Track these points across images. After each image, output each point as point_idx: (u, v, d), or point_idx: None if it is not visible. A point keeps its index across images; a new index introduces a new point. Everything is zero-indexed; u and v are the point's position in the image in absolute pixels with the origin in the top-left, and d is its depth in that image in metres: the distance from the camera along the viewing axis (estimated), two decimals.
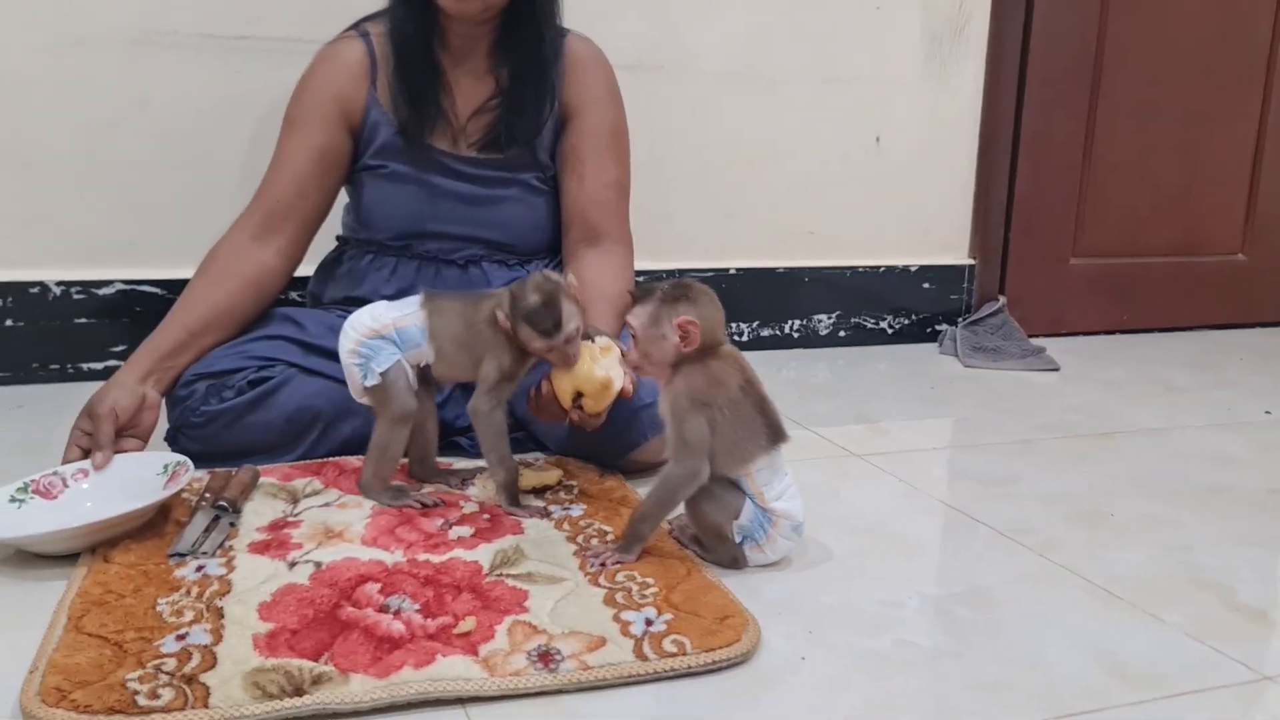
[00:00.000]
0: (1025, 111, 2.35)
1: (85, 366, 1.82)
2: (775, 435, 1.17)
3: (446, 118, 1.56)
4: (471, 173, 1.58)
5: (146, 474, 1.27)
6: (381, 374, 1.29)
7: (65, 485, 1.27)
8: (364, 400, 1.33)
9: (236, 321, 1.50)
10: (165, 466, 1.28)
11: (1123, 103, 2.41)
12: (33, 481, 1.25)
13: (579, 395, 1.28)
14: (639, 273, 2.07)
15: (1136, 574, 1.25)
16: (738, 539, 1.18)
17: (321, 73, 1.56)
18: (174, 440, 1.43)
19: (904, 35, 2.25)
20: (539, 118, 1.58)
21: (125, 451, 1.34)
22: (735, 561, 1.20)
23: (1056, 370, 2.19)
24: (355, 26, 1.58)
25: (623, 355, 1.28)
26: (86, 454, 1.32)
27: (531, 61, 1.56)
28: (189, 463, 1.27)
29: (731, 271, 2.19)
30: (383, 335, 1.30)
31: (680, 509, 1.20)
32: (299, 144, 1.54)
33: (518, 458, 1.45)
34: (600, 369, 1.27)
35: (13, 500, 1.22)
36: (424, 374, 1.34)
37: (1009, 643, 1.08)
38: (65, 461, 1.31)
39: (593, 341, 1.30)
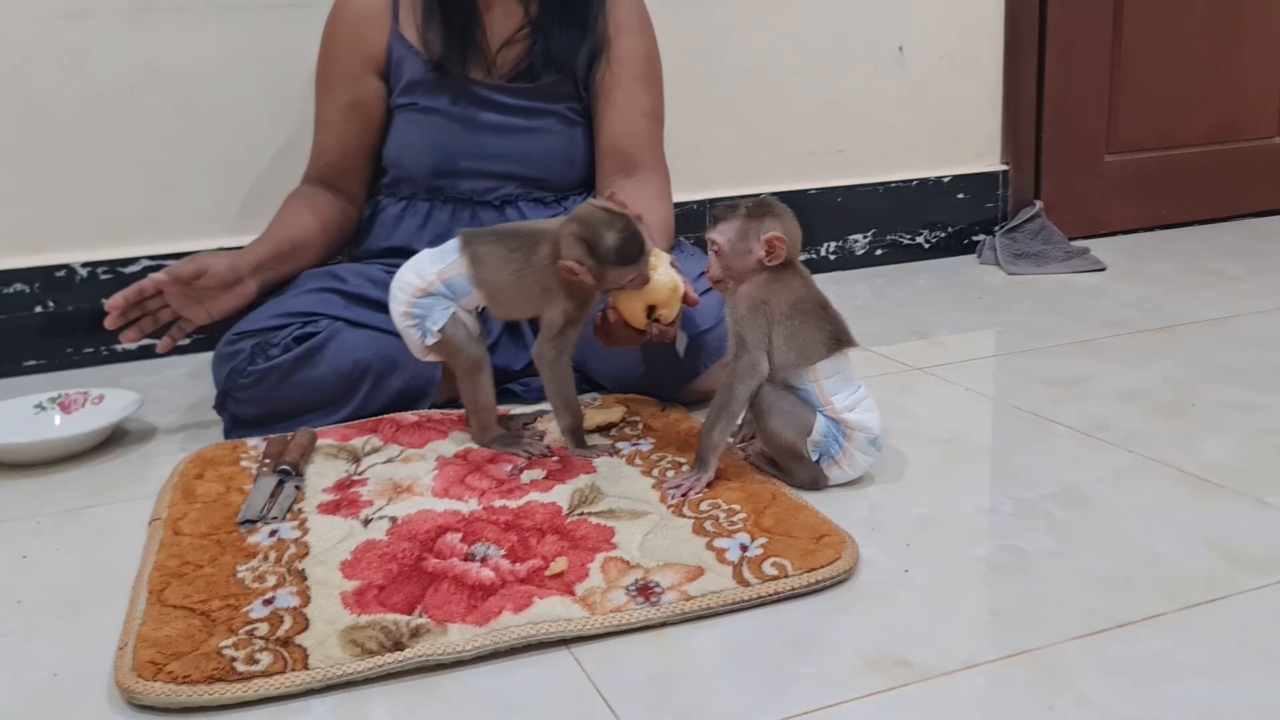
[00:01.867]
0: (1050, 7, 2.27)
1: (119, 348, 1.78)
2: (838, 337, 1.15)
3: (480, 47, 1.52)
4: (506, 102, 1.54)
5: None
6: (439, 330, 1.26)
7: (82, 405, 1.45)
8: (428, 358, 1.30)
9: (324, 248, 1.57)
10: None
11: None
12: (65, 395, 1.44)
13: (651, 309, 1.23)
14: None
15: (1231, 460, 1.21)
16: (814, 456, 1.15)
17: (341, 24, 1.56)
18: (222, 405, 1.40)
19: None
20: (571, 45, 1.53)
21: (183, 318, 1.42)
22: (815, 481, 1.16)
23: (1103, 270, 2.14)
24: None
25: (675, 266, 1.24)
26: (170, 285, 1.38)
27: None
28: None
29: (762, 197, 2.13)
30: (431, 292, 1.26)
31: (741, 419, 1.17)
32: (333, 104, 1.57)
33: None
34: (663, 275, 1.21)
35: (38, 407, 1.43)
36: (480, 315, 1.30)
37: (1115, 538, 1.05)
38: (140, 283, 1.37)
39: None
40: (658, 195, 1.55)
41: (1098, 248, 2.27)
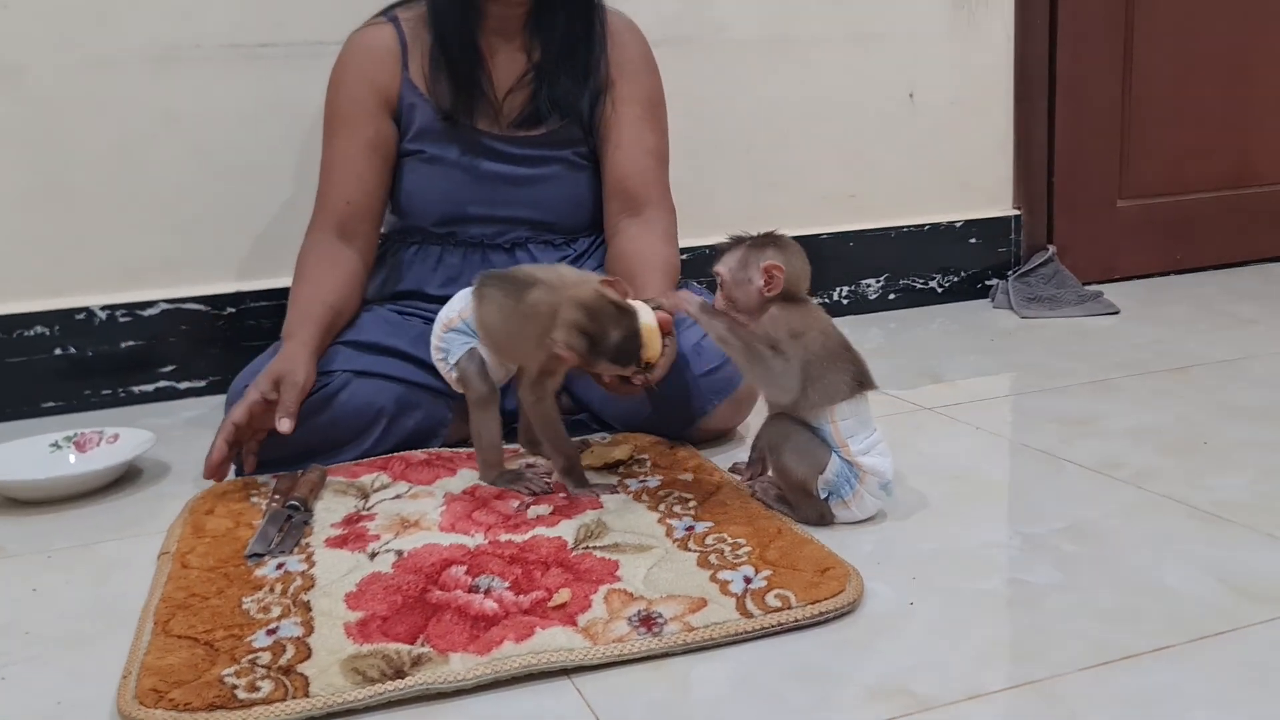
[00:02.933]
0: (1059, 54, 2.29)
1: (136, 389, 1.80)
2: (861, 379, 1.14)
3: (487, 97, 1.54)
4: (513, 151, 1.55)
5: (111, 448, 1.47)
6: (456, 364, 1.30)
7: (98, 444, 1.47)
8: (460, 390, 1.32)
9: (349, 313, 1.49)
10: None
11: (1159, 36, 2.35)
12: (81, 434, 1.47)
13: (646, 365, 1.22)
14: (681, 249, 2.04)
15: (1243, 496, 1.20)
16: (823, 494, 1.14)
17: (354, 63, 1.54)
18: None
19: None
20: (574, 88, 1.55)
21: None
22: (822, 518, 1.16)
23: (1116, 313, 2.14)
24: (383, 13, 1.56)
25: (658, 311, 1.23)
26: (253, 415, 1.30)
27: (565, 36, 1.54)
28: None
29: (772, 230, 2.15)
30: (454, 328, 1.31)
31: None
32: (349, 141, 1.52)
33: (585, 438, 1.43)
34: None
35: (54, 445, 1.45)
36: None
37: (1124, 572, 1.04)
38: (233, 418, 1.29)
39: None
40: (663, 237, 1.56)
41: (1111, 292, 2.27)
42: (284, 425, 1.29)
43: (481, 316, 1.28)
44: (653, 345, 1.19)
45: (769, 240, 1.17)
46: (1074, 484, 1.27)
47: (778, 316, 1.15)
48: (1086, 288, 2.27)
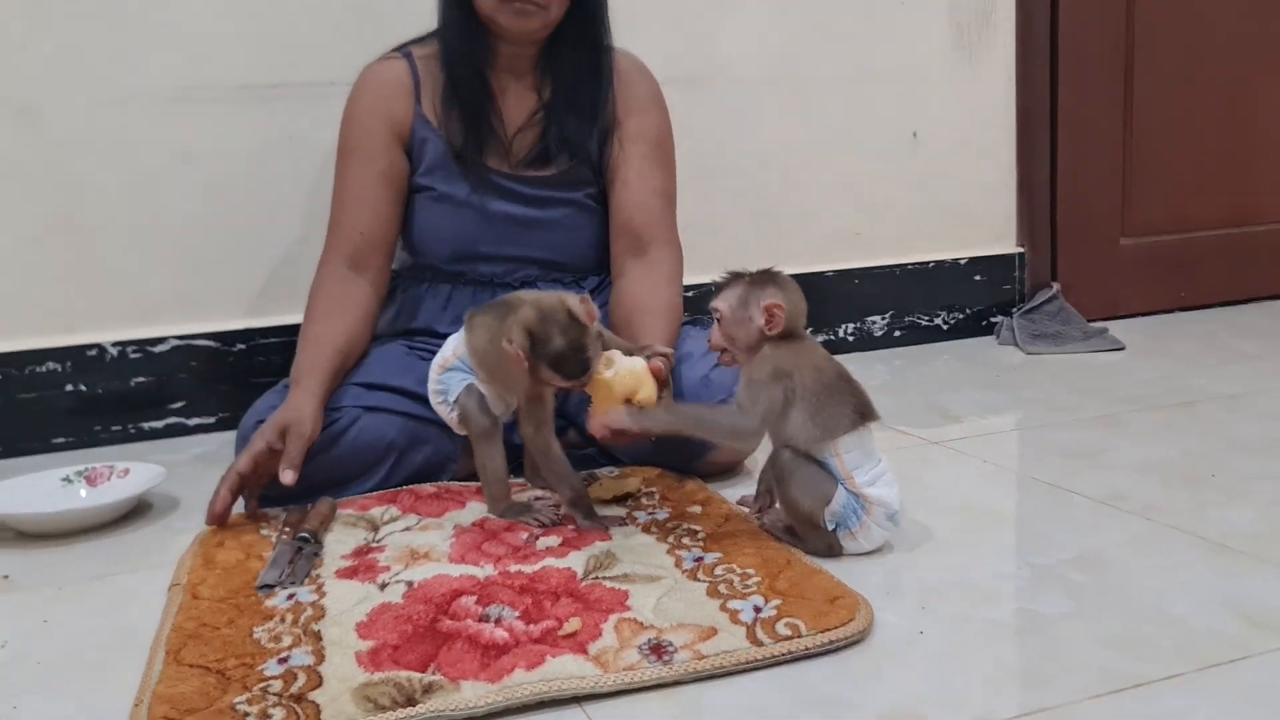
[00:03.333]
0: (1060, 93, 2.32)
1: (146, 426, 1.81)
2: (863, 411, 1.14)
3: (497, 135, 1.56)
4: (523, 191, 1.57)
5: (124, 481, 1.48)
6: (455, 401, 1.31)
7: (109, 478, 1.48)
8: (463, 432, 1.34)
9: (360, 350, 1.50)
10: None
11: (1159, 75, 2.38)
12: (91, 469, 1.48)
13: (629, 402, 1.23)
14: (686, 287, 2.06)
15: (1251, 528, 1.20)
16: (830, 526, 1.15)
17: (367, 95, 1.56)
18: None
19: (931, 28, 2.23)
20: (583, 127, 1.57)
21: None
22: (830, 549, 1.16)
23: (1122, 349, 2.14)
24: (397, 49, 1.59)
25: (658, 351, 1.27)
26: (257, 465, 1.30)
27: (574, 75, 1.56)
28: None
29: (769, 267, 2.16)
30: (450, 367, 1.33)
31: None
32: (363, 172, 1.54)
33: (595, 472, 1.44)
34: (624, 366, 1.21)
35: (65, 480, 1.47)
36: None
37: (1133, 601, 1.04)
38: (238, 467, 1.30)
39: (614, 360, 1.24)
40: (667, 278, 1.56)
41: (1117, 329, 2.28)
42: (287, 477, 1.29)
43: (472, 344, 1.30)
44: (646, 389, 1.20)
45: (769, 278, 1.18)
46: (1081, 515, 1.28)
47: (768, 356, 1.15)
48: (1091, 324, 2.28)
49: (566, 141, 1.57)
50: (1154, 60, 2.37)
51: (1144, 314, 2.44)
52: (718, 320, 1.19)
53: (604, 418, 1.20)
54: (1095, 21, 2.32)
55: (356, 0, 1.84)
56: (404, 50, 1.59)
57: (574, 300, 1.22)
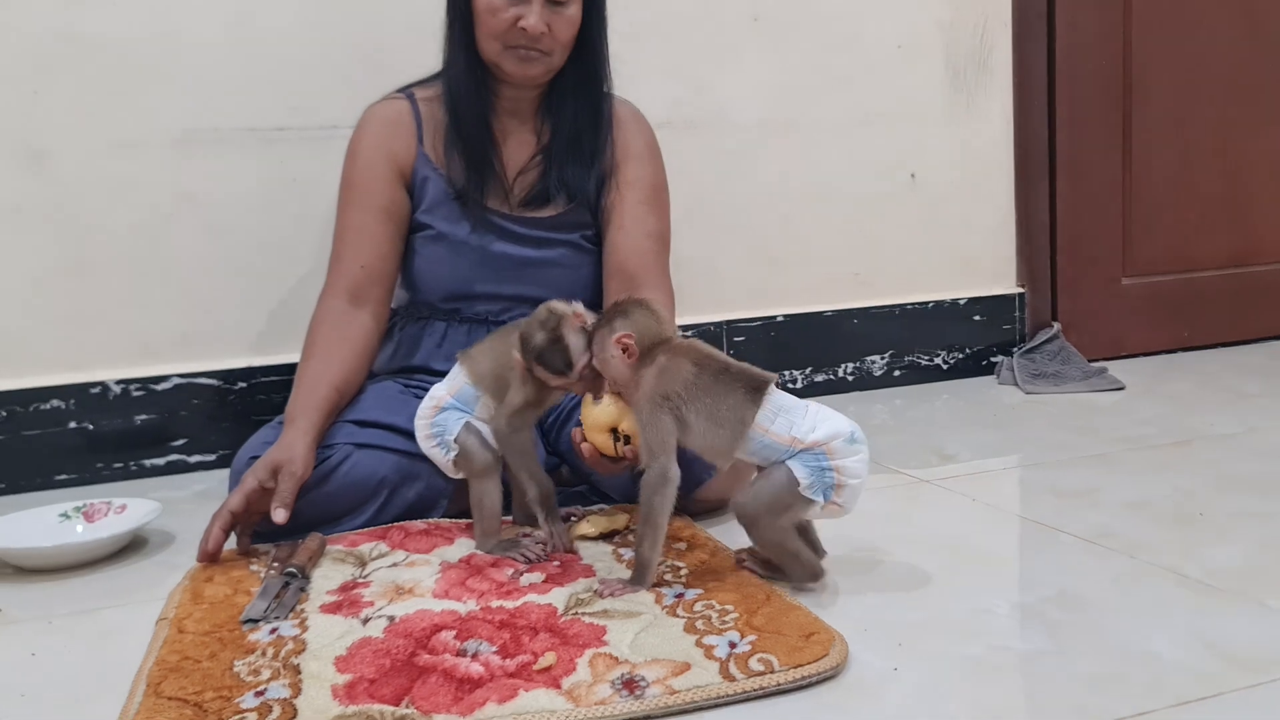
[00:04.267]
0: (1058, 135, 2.34)
1: (148, 462, 1.83)
2: (755, 385, 1.14)
3: (498, 177, 1.59)
4: (521, 232, 1.60)
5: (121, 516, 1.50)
6: (455, 441, 1.33)
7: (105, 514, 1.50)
8: (459, 475, 1.35)
9: (356, 386, 1.52)
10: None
11: (1157, 117, 2.40)
12: (89, 505, 1.50)
13: (624, 438, 1.25)
14: (687, 326, 2.08)
15: (1236, 565, 1.20)
16: (817, 499, 1.13)
17: (370, 133, 1.60)
18: None
19: (928, 71, 2.26)
20: (582, 172, 1.60)
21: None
22: (814, 575, 1.17)
23: (1121, 389, 2.14)
24: (400, 90, 1.63)
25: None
26: (250, 503, 1.32)
27: (575, 120, 1.59)
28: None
29: (779, 319, 2.18)
30: (445, 406, 1.35)
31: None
32: (365, 207, 1.57)
33: (583, 508, 1.44)
34: (608, 399, 1.25)
35: (63, 515, 1.48)
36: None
37: (1110, 639, 1.04)
38: (230, 506, 1.31)
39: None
40: None
41: (1118, 369, 2.28)
42: (279, 515, 1.31)
43: (476, 372, 1.33)
44: (630, 419, 1.23)
45: (614, 313, 1.21)
46: (1067, 554, 1.28)
47: (643, 383, 1.17)
48: (1092, 364, 2.29)
49: (565, 184, 1.60)
50: (1152, 101, 2.39)
51: (1146, 354, 2.44)
52: (599, 372, 1.22)
53: (587, 444, 1.26)
54: (1091, 64, 2.34)
55: (360, 46, 1.88)
56: (407, 91, 1.63)
57: (563, 304, 1.26)
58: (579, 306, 1.26)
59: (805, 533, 1.22)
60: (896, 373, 2.28)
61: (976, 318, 2.34)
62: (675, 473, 1.15)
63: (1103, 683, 0.95)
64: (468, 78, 1.56)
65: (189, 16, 1.81)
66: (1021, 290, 2.37)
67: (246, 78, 1.84)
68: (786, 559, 1.16)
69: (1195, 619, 1.07)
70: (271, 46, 1.85)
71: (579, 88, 1.60)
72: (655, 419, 1.15)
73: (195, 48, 1.82)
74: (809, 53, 2.18)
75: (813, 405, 1.15)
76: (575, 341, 1.23)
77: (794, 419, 1.13)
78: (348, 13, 1.88)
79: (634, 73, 1.74)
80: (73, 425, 1.79)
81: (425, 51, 1.62)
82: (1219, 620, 1.06)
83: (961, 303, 2.32)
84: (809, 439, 1.12)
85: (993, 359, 2.35)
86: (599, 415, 1.24)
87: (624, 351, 1.18)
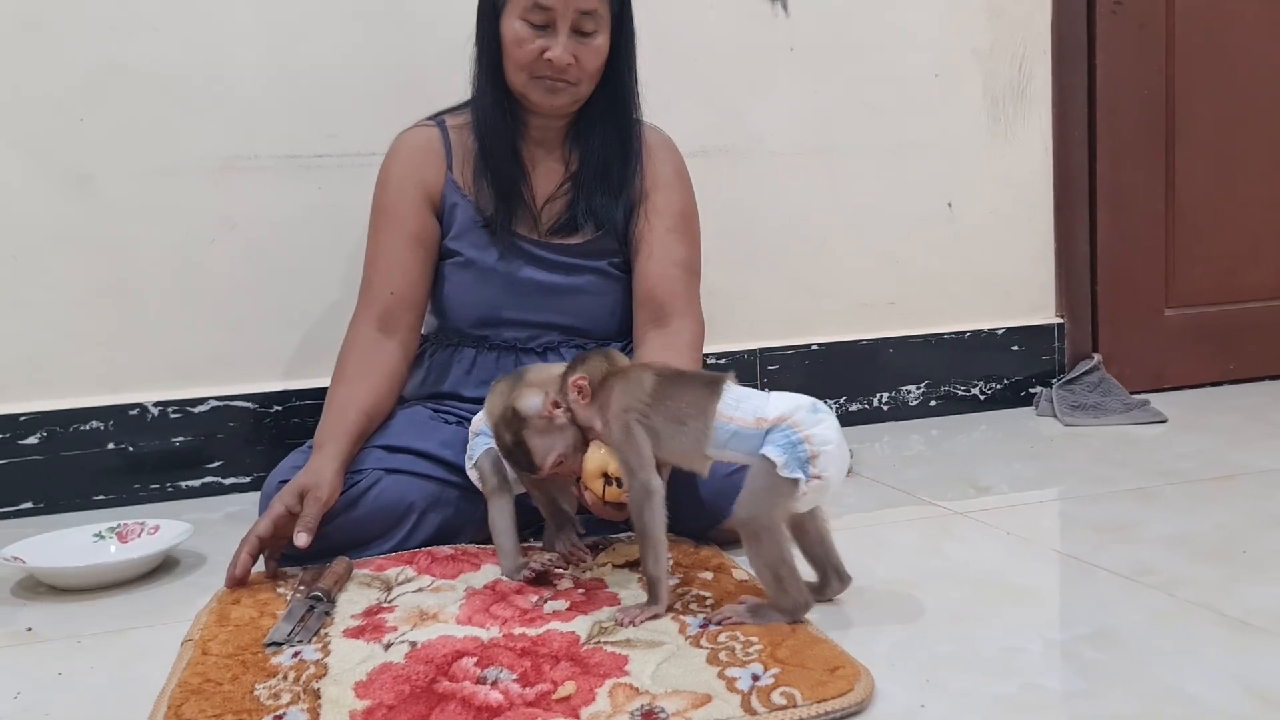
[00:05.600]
0: (1099, 164, 2.31)
1: (184, 484, 1.85)
2: (710, 381, 1.18)
3: (526, 204, 1.59)
4: (549, 258, 1.60)
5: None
6: (474, 464, 1.37)
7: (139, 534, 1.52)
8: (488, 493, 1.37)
9: (385, 412, 1.54)
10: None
11: (1201, 145, 2.36)
12: (123, 525, 1.52)
13: (615, 481, 1.26)
14: (721, 354, 2.07)
15: (1277, 605, 1.16)
16: (793, 475, 1.11)
17: (401, 160, 1.61)
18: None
19: (966, 100, 2.25)
20: (610, 200, 1.60)
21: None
22: (806, 604, 1.13)
23: (1164, 422, 2.10)
24: (431, 118, 1.64)
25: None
26: (277, 527, 1.33)
27: (603, 149, 1.59)
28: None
29: (814, 347, 2.17)
30: (479, 431, 1.38)
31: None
32: (395, 234, 1.58)
33: (610, 537, 1.44)
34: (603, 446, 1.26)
35: (97, 535, 1.50)
36: None
37: (1146, 679, 1.01)
38: (257, 531, 1.32)
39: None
40: (686, 348, 1.56)
41: (1160, 401, 2.24)
42: (300, 540, 1.31)
43: (489, 407, 1.33)
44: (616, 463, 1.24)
45: (573, 364, 1.26)
46: (1103, 590, 1.25)
47: (612, 408, 1.20)
48: (1133, 396, 2.25)
49: (593, 213, 1.60)
50: (1195, 129, 2.36)
51: (1188, 387, 2.39)
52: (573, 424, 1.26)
53: (588, 493, 1.29)
54: (1133, 92, 2.32)
55: (396, 74, 1.91)
56: (437, 119, 1.64)
57: (530, 400, 1.26)
58: (553, 394, 1.26)
59: (827, 555, 1.20)
60: (933, 403, 2.26)
61: (1015, 348, 2.31)
62: (657, 484, 1.17)
63: None
64: (495, 108, 1.57)
65: (232, 47, 1.84)
66: (1061, 320, 2.34)
67: (286, 106, 1.87)
68: (778, 584, 1.13)
69: (1234, 659, 1.04)
70: (311, 76, 1.88)
71: (607, 116, 1.60)
72: (626, 435, 1.18)
73: (237, 77, 1.85)
74: (845, 82, 2.17)
75: (773, 392, 1.17)
76: (539, 444, 1.26)
77: (755, 403, 1.15)
78: (386, 43, 1.91)
79: (667, 101, 1.74)
80: (111, 446, 1.82)
81: (461, 80, 1.63)
82: (1258, 661, 1.03)
83: (1000, 333, 2.30)
84: (772, 415, 1.13)
85: (1031, 390, 2.32)
86: (589, 463, 1.28)
87: (579, 393, 1.23)
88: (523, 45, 1.50)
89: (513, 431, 1.26)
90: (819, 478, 1.12)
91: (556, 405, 1.25)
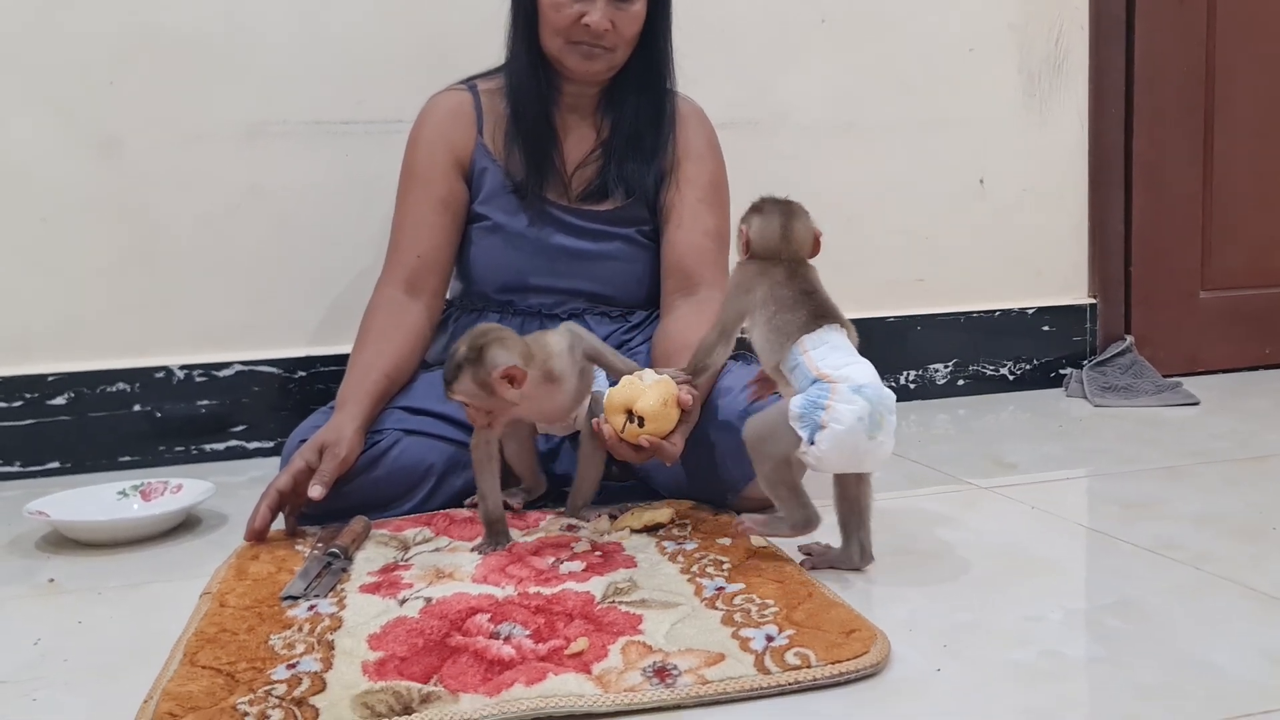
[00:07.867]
0: (1135, 142, 2.27)
1: (208, 447, 1.86)
2: (819, 314, 1.20)
3: (557, 170, 1.58)
4: (578, 225, 1.59)
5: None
6: None
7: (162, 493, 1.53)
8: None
9: (408, 375, 1.53)
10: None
11: (1241, 124, 2.32)
12: (147, 484, 1.54)
13: (639, 420, 1.24)
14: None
15: None
16: (802, 434, 1.12)
17: (431, 123, 1.61)
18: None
19: (1001, 75, 2.21)
20: (642, 168, 1.59)
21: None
22: (808, 521, 1.16)
23: (1196, 404, 2.07)
24: (462, 81, 1.64)
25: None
26: (297, 482, 1.34)
27: (636, 116, 1.58)
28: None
29: None
30: None
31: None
32: (424, 197, 1.58)
33: (632, 505, 1.42)
34: (649, 379, 1.26)
35: (120, 493, 1.52)
36: None
37: (1169, 649, 0.99)
38: (277, 485, 1.33)
39: (640, 379, 1.28)
40: (713, 313, 1.56)
41: (1194, 385, 2.20)
42: (315, 491, 1.32)
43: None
44: (645, 400, 1.24)
45: (755, 209, 1.32)
46: (1128, 563, 1.23)
47: (737, 273, 1.28)
48: (1165, 379, 2.21)
49: (624, 180, 1.59)
50: (1235, 107, 2.31)
51: (1223, 370, 2.35)
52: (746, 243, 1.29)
53: (607, 426, 1.27)
54: (1173, 69, 2.27)
55: (424, 41, 1.90)
56: (469, 83, 1.64)
57: (501, 355, 1.25)
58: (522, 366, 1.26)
59: (858, 526, 1.20)
60: (960, 382, 2.23)
61: (1045, 328, 2.27)
62: (726, 345, 1.28)
63: (1157, 692, 0.90)
64: (529, 73, 1.56)
65: (261, 11, 1.84)
66: (1093, 301, 2.30)
67: (315, 72, 1.87)
68: (778, 501, 1.17)
69: (1259, 631, 1.02)
70: (340, 41, 1.88)
71: (642, 84, 1.59)
72: (734, 299, 1.26)
73: (266, 43, 1.85)
74: (877, 55, 2.14)
75: (859, 360, 1.18)
76: (461, 373, 1.25)
77: (832, 356, 1.16)
78: (415, 8, 1.90)
79: (697, 73, 1.72)
80: (137, 409, 1.83)
81: (490, 46, 1.63)
82: None
83: (1030, 312, 2.27)
84: (828, 371, 1.14)
85: (1061, 371, 2.28)
86: (615, 395, 1.26)
87: (742, 238, 1.29)
88: (560, 10, 1.49)
89: (467, 343, 1.26)
90: (815, 447, 1.12)
91: (511, 380, 1.23)
